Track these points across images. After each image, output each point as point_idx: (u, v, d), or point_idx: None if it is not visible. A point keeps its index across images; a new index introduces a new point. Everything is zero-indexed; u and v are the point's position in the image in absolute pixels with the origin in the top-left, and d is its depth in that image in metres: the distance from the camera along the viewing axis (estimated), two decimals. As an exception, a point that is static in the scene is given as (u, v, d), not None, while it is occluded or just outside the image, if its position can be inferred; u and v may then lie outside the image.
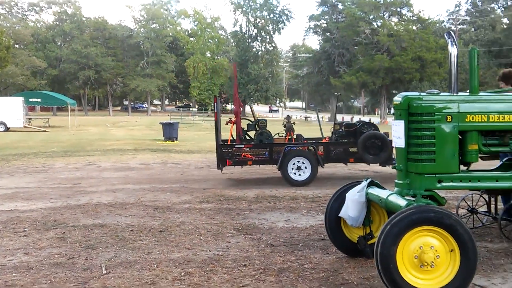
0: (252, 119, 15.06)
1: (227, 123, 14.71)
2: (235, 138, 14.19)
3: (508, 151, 5.82)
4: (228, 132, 14.49)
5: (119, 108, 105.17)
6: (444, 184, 5.40)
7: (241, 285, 5.30)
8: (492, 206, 7.49)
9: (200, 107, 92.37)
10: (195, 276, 5.60)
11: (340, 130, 13.78)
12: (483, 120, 5.44)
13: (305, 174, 12.45)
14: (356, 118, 47.07)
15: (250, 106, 18.07)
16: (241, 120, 14.38)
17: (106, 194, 11.28)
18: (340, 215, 6.05)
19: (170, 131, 29.04)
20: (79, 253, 6.57)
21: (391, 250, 4.68)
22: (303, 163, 12.56)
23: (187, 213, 9.06)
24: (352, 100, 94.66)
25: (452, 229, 4.74)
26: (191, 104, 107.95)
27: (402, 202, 5.17)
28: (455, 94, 5.50)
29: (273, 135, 14.36)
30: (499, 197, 7.52)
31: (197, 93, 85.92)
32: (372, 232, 6.03)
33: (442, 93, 5.56)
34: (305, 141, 14.27)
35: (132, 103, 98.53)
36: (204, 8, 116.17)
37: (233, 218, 8.63)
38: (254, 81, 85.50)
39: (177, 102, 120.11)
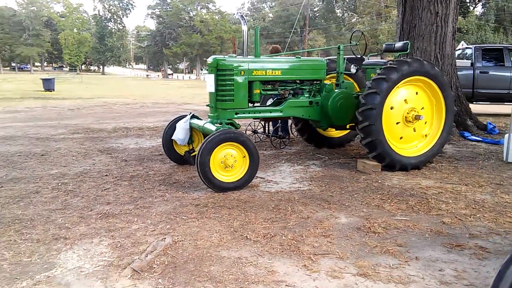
0: None
1: None
2: None
3: (277, 94, 5.93)
4: None
5: (8, 68, 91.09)
6: (239, 115, 5.34)
7: (103, 188, 4.82)
8: (267, 128, 7.71)
9: (70, 68, 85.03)
10: (69, 185, 4.99)
11: None
12: (262, 74, 5.43)
13: None
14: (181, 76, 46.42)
15: None
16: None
17: (-2, 130, 9.69)
18: (172, 138, 5.77)
19: (48, 84, 25.76)
20: (-25, 174, 5.55)
21: (206, 159, 4.55)
22: None
23: (63, 141, 8.08)
24: (177, 64, 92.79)
25: (243, 143, 4.73)
26: (64, 66, 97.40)
27: (213, 127, 5.04)
28: (246, 57, 5.41)
29: None
30: (271, 123, 7.78)
31: (68, 58, 79.24)
32: (193, 148, 5.86)
33: (238, 56, 5.43)
34: None
35: (18, 65, 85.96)
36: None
37: (97, 143, 7.89)
38: (110, 49, 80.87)
39: (53, 64, 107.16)
